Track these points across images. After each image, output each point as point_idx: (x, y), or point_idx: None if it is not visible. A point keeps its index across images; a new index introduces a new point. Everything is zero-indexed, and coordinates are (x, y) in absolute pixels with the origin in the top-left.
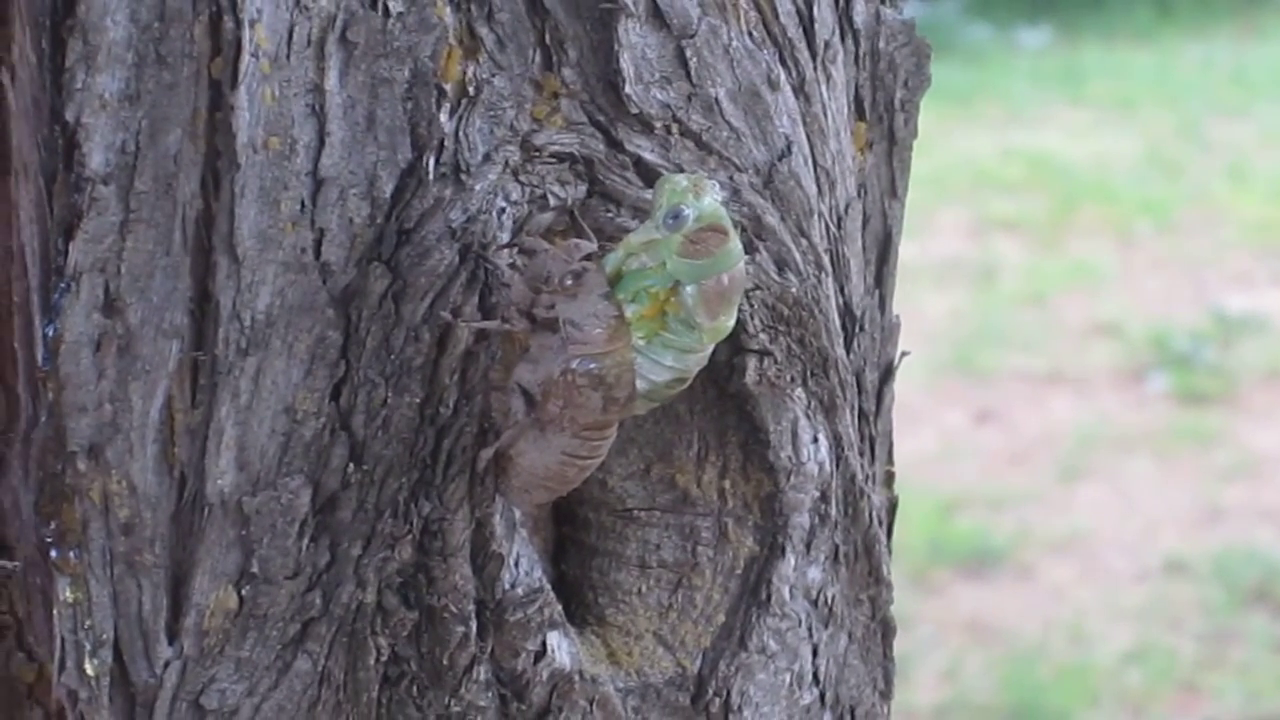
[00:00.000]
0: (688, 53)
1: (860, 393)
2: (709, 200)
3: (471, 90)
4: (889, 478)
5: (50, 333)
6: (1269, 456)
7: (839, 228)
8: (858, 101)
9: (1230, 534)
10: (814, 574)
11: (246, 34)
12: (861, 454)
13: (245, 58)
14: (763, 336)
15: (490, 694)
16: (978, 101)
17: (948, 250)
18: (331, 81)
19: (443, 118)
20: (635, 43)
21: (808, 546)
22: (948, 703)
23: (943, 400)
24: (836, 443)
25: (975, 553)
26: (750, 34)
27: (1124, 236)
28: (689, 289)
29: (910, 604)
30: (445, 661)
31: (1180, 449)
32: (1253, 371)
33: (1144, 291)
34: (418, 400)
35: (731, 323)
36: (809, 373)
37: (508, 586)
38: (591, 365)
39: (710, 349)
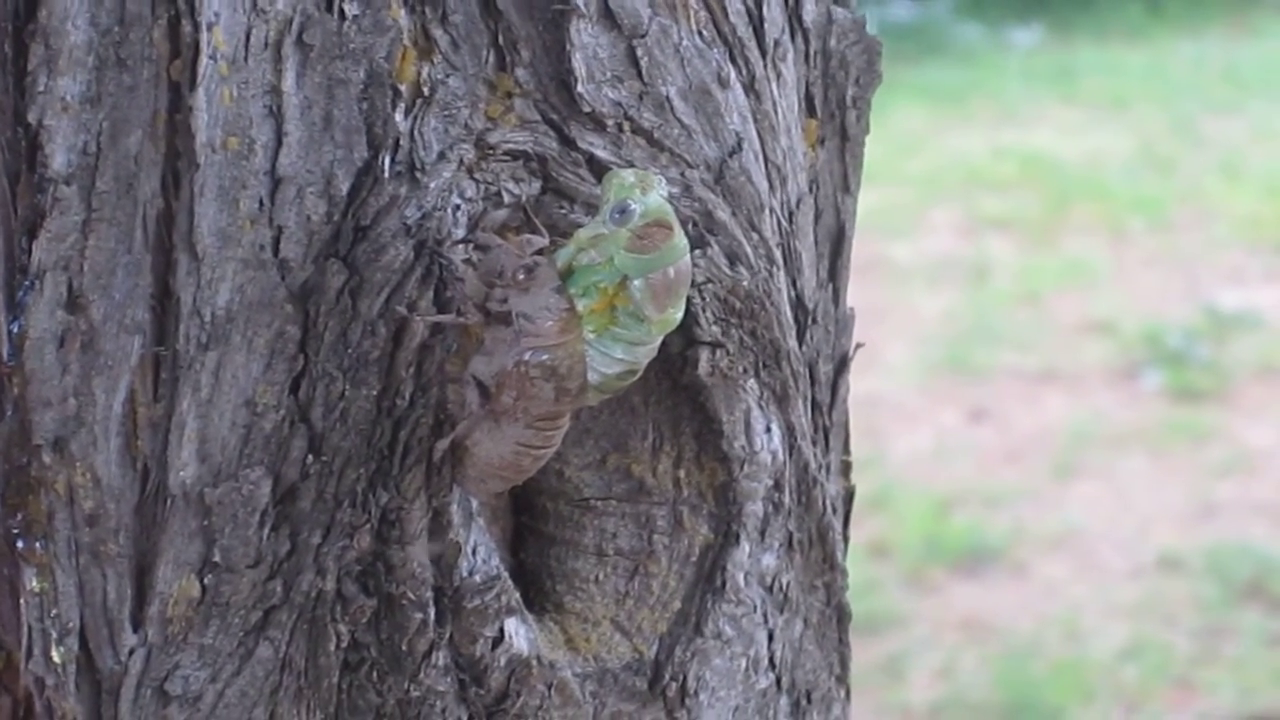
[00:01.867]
0: (639, 52)
1: (814, 384)
2: (654, 196)
3: (426, 90)
4: (845, 467)
5: (15, 329)
6: (1262, 452)
7: (790, 222)
8: (809, 99)
9: (1224, 530)
10: (768, 561)
11: (204, 37)
12: (815, 444)
13: (204, 60)
14: (715, 329)
15: (449, 679)
16: (970, 101)
17: (940, 249)
18: (289, 83)
19: (398, 117)
20: (587, 43)
21: (762, 534)
22: (943, 700)
23: (937, 399)
24: (789, 432)
25: (970, 551)
26: (700, 33)
27: (1117, 234)
28: (636, 283)
29: (905, 602)
30: (404, 647)
31: (1174, 445)
32: (1246, 368)
33: (1137, 289)
34: (375, 393)
35: (679, 315)
36: (761, 364)
37: (465, 574)
38: (544, 356)
39: (659, 341)
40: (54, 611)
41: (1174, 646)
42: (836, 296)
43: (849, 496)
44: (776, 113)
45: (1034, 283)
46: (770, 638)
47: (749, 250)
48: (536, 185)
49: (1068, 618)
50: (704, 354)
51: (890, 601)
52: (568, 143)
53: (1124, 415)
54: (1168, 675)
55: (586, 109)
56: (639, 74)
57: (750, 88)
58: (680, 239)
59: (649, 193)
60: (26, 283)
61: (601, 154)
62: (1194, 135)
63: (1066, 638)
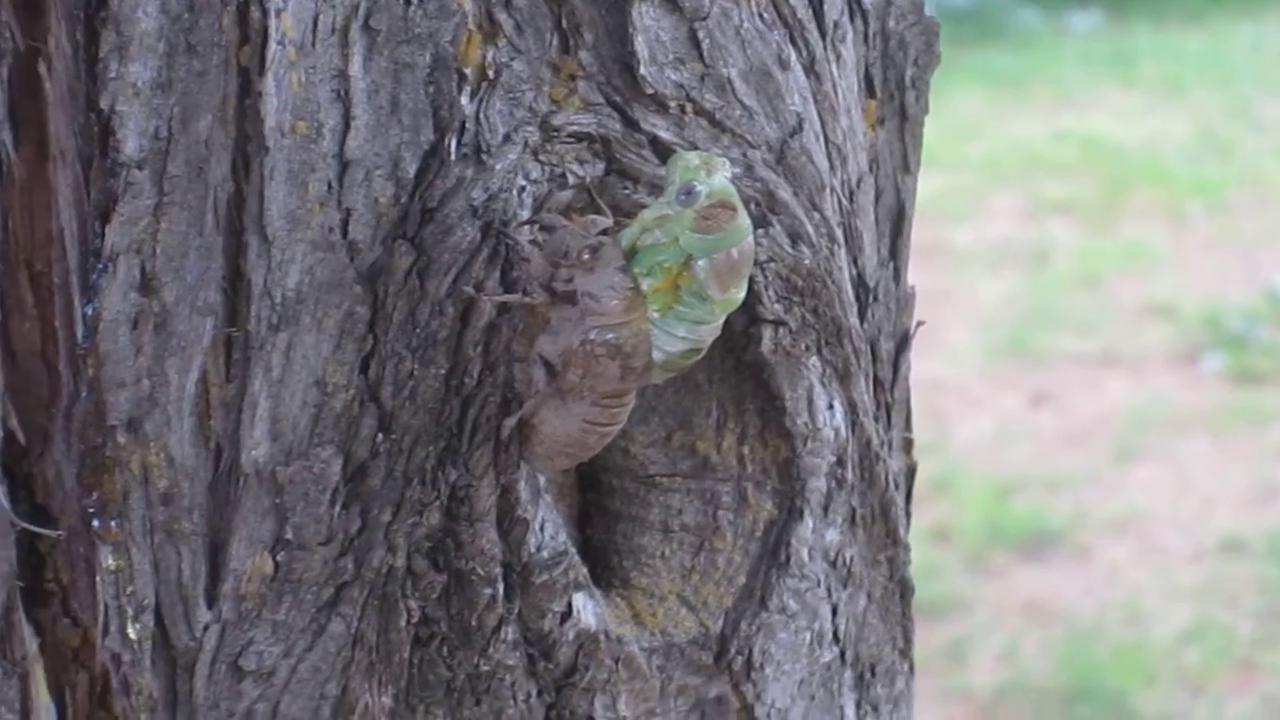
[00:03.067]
0: (700, 34)
1: (875, 361)
2: (719, 177)
3: (491, 74)
4: (907, 444)
5: (89, 312)
6: None
7: (851, 201)
8: (868, 79)
9: None
10: (832, 536)
11: (273, 23)
12: (877, 420)
13: (272, 46)
14: (777, 307)
15: (518, 653)
16: (1029, 85)
17: (1001, 233)
18: (355, 67)
19: (463, 100)
20: (649, 25)
21: (825, 509)
22: (1006, 684)
23: (998, 383)
24: (851, 409)
25: (1032, 535)
26: (761, 15)
27: (1176, 217)
28: (701, 263)
29: (968, 587)
30: (474, 622)
31: (1235, 428)
32: None
33: (1197, 272)
34: (443, 371)
35: (742, 295)
36: (823, 341)
37: (533, 550)
38: (609, 335)
39: (722, 321)
40: (130, 589)
41: (1236, 629)
42: (897, 275)
43: (911, 473)
44: (836, 93)
45: (1094, 266)
46: (834, 612)
47: (810, 229)
48: (600, 166)
49: (1130, 601)
50: (767, 332)
51: (952, 586)
52: (631, 124)
53: (1185, 398)
54: (1230, 658)
55: (649, 91)
56: (701, 56)
57: (810, 69)
58: (744, 220)
59: (714, 174)
60: (100, 266)
61: (664, 135)
62: (1252, 118)
63: (1128, 621)
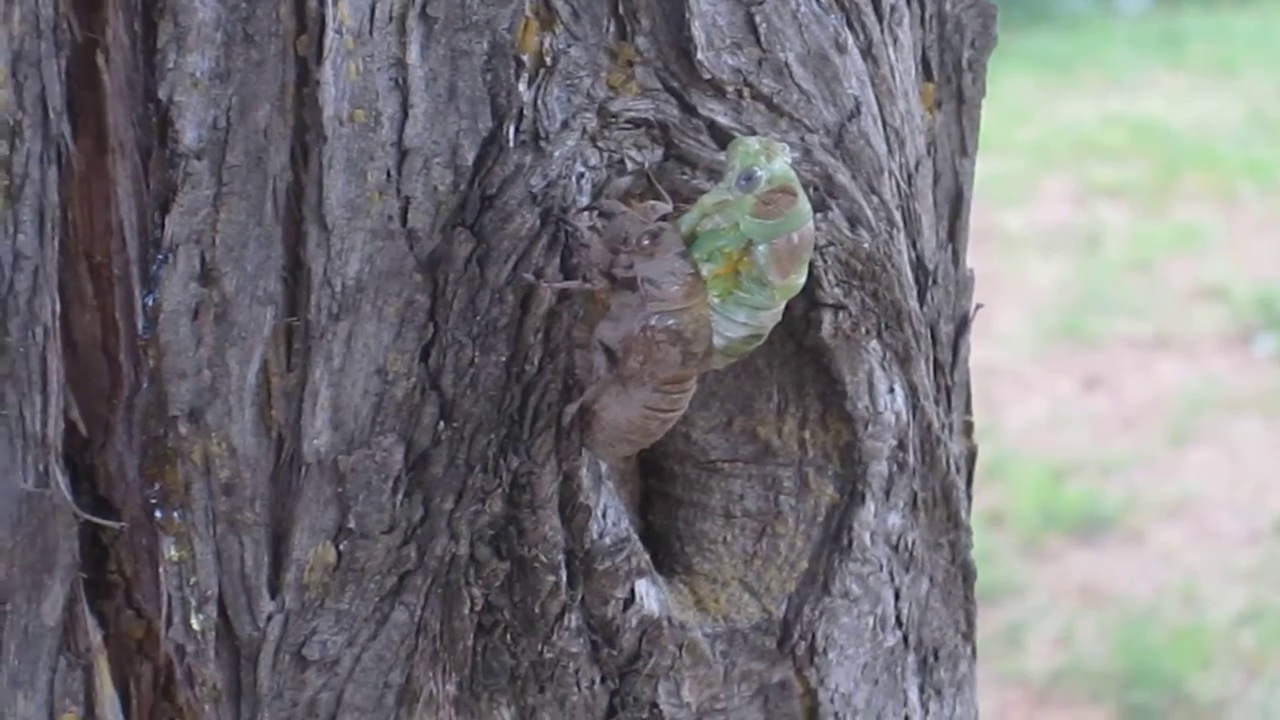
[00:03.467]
0: (757, 19)
1: (935, 344)
2: (780, 162)
3: (549, 60)
4: (967, 427)
5: (150, 302)
6: None
7: (909, 185)
8: (925, 62)
9: None
10: (893, 520)
11: (330, 11)
12: (938, 403)
13: (329, 34)
14: (837, 291)
15: (582, 640)
16: (1078, 69)
17: (1053, 218)
18: (413, 55)
19: (521, 87)
20: (706, 10)
21: (887, 493)
22: (1062, 668)
23: (1051, 368)
24: (912, 392)
25: (1086, 518)
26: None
27: (1228, 199)
28: (761, 248)
29: (1022, 571)
30: (537, 610)
31: None
32: None
33: (1249, 254)
34: (504, 359)
35: (802, 280)
36: (883, 325)
37: (596, 536)
38: (670, 321)
39: (782, 306)
40: (193, 580)
41: None
42: (956, 258)
43: (971, 456)
44: (894, 77)
45: (1146, 250)
46: (897, 596)
47: (869, 213)
48: (659, 152)
49: (1185, 584)
50: (827, 316)
51: (1007, 570)
52: (689, 110)
53: (1238, 381)
54: None
55: (706, 76)
56: (758, 40)
57: (867, 52)
58: (804, 205)
59: (774, 159)
60: (160, 256)
61: (722, 120)
62: None
63: (1184, 604)
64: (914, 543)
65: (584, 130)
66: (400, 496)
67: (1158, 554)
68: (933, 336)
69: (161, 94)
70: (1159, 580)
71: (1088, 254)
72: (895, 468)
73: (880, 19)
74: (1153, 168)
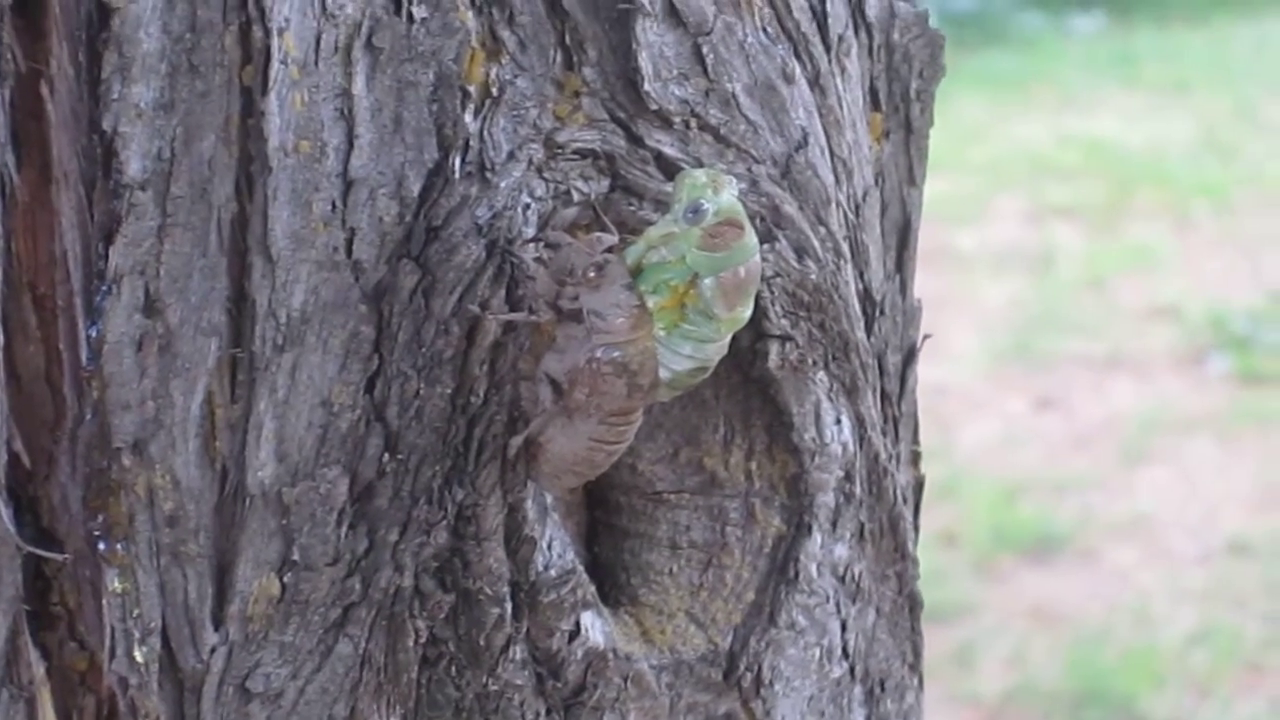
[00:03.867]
0: (704, 49)
1: (883, 375)
2: (727, 195)
3: (495, 91)
4: (915, 457)
5: (93, 334)
6: None
7: (857, 215)
8: (873, 92)
9: None
10: (840, 551)
11: (275, 42)
12: (885, 434)
13: (275, 65)
14: (784, 322)
15: (527, 672)
16: (1032, 88)
17: (1006, 237)
18: (359, 86)
19: (467, 118)
20: (653, 41)
21: (833, 525)
22: (1014, 689)
23: (1003, 387)
24: (859, 424)
25: (1038, 538)
26: (765, 30)
27: (1181, 219)
28: (707, 281)
29: (974, 591)
30: (482, 642)
31: (1241, 430)
32: None
33: (1202, 273)
34: (449, 391)
35: (748, 314)
36: (830, 356)
37: (541, 568)
38: (616, 353)
39: (728, 339)
40: (136, 612)
41: (1244, 631)
42: (904, 288)
43: (919, 486)
44: (841, 107)
45: (1099, 269)
46: (843, 627)
47: (816, 244)
48: (605, 183)
49: (1137, 604)
50: (773, 347)
51: (959, 590)
52: (635, 140)
53: (1191, 400)
54: (1238, 659)
55: (653, 107)
56: (705, 71)
57: (815, 83)
58: (751, 238)
59: (721, 192)
60: (104, 288)
61: (669, 151)
62: (1256, 119)
63: (1136, 624)
64: (860, 574)
65: (530, 161)
66: (345, 528)
67: (1110, 574)
68: (880, 367)
69: (106, 124)
70: (1111, 600)
71: (1041, 273)
72: (842, 499)
73: (828, 49)
74: (1106, 187)
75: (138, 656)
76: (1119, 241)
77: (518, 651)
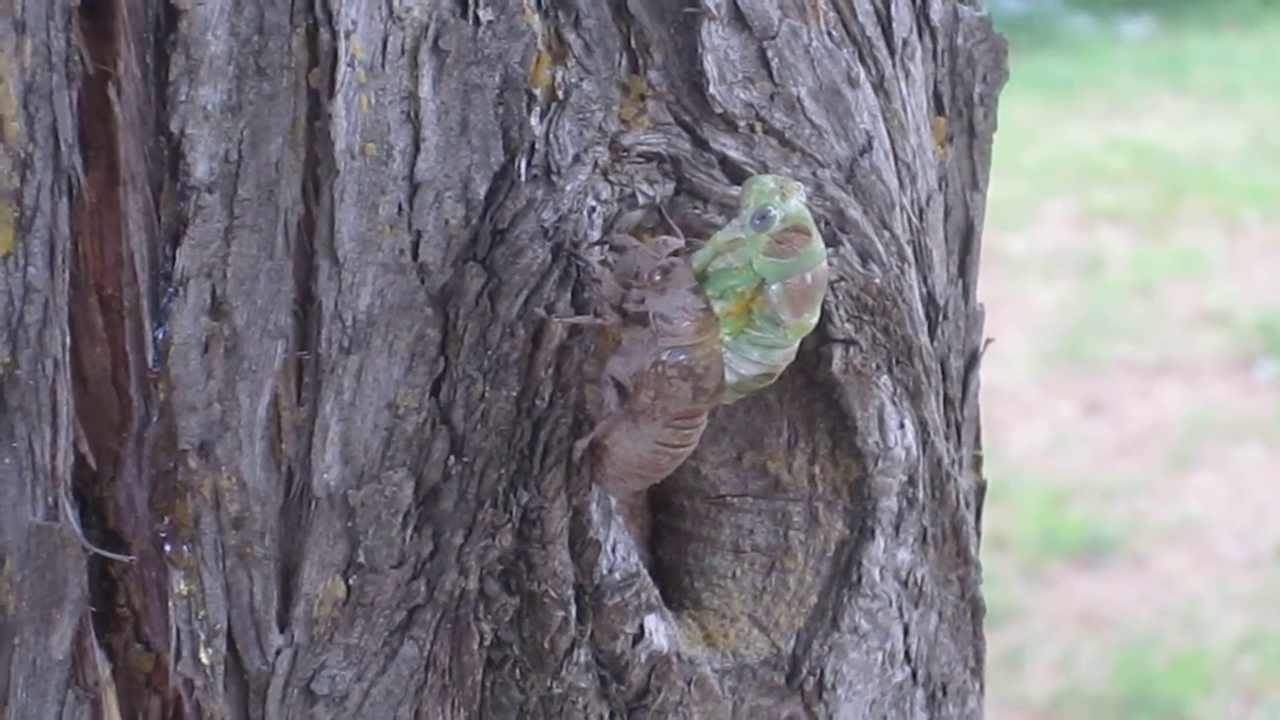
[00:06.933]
0: (769, 53)
1: (945, 379)
2: (794, 202)
3: (560, 94)
4: (977, 462)
5: (160, 336)
6: None
7: (921, 219)
8: (937, 97)
9: None
10: (903, 555)
11: (342, 45)
12: (947, 438)
13: (342, 68)
14: (848, 326)
15: (590, 676)
16: (1081, 93)
17: (1055, 242)
18: (425, 89)
19: (533, 121)
20: (718, 45)
21: (896, 529)
22: (1062, 693)
23: (1052, 392)
24: (922, 428)
25: (1087, 543)
26: (830, 34)
27: (1230, 224)
28: (774, 287)
29: (1023, 595)
30: (546, 645)
31: None
32: None
33: (1251, 279)
34: (514, 394)
35: (814, 320)
36: (894, 360)
37: (605, 571)
38: (681, 356)
39: (795, 345)
40: (202, 614)
41: None
42: (966, 292)
43: (980, 491)
44: (906, 111)
45: (1148, 274)
46: (906, 631)
47: (880, 248)
48: (670, 186)
49: (1186, 609)
50: (837, 351)
51: (1008, 594)
52: (700, 144)
53: (1240, 405)
54: None
55: (718, 110)
56: (770, 75)
57: (880, 87)
58: (818, 245)
59: (789, 198)
60: (170, 290)
61: (734, 155)
62: None
63: (1185, 629)
64: (923, 578)
65: (595, 164)
66: (410, 531)
67: (1159, 579)
68: (943, 371)
69: (173, 127)
70: (1160, 605)
71: (1089, 278)
72: (905, 503)
73: (893, 53)
74: (1155, 192)
75: (203, 658)
76: (1168, 246)
77: (582, 654)
